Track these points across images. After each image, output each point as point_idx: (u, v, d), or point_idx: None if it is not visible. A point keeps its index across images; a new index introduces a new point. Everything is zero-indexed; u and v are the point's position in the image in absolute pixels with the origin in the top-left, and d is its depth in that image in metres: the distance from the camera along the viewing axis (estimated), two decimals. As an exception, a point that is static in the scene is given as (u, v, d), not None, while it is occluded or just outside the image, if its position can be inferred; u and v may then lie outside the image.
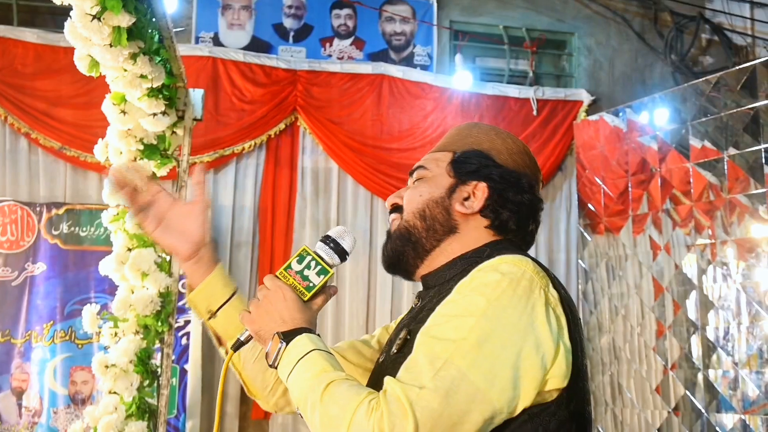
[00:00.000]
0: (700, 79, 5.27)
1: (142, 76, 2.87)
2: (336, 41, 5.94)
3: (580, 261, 5.81)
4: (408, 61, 5.99)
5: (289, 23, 5.90)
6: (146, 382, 3.21)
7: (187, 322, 4.97)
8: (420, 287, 1.54)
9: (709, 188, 4.92)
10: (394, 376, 1.23)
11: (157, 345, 3.31)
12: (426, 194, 1.50)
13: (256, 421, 5.35)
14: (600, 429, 5.44)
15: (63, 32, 2.58)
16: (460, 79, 5.84)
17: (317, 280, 1.45)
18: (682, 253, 5.09)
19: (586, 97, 6.05)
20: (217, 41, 5.74)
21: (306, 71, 5.68)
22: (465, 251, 1.46)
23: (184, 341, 4.94)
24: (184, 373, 4.95)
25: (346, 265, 5.49)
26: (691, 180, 4.99)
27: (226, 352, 1.60)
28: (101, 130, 3.32)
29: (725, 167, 4.77)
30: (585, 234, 5.76)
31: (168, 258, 3.27)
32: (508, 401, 1.21)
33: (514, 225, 1.47)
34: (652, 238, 5.28)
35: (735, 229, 4.75)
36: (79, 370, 4.79)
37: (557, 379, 1.26)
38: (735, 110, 4.76)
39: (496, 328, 1.23)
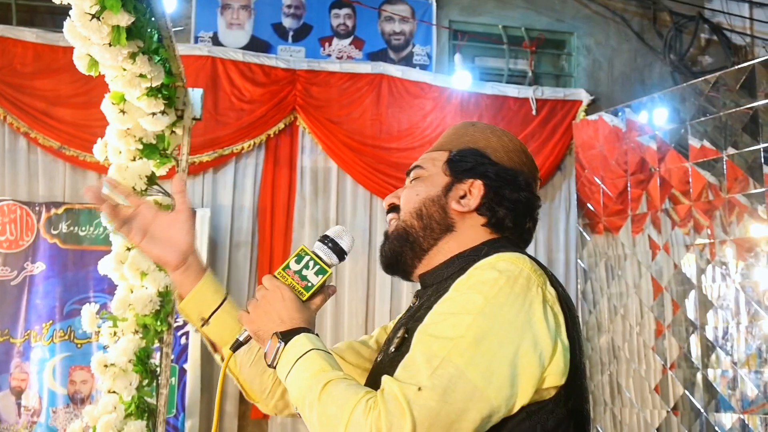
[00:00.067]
0: (699, 79, 5.27)
1: (141, 76, 2.86)
2: (335, 41, 5.94)
3: (579, 260, 5.81)
4: (407, 61, 5.99)
5: (288, 23, 5.90)
6: (145, 382, 3.21)
7: (186, 322, 4.96)
8: (418, 286, 1.54)
9: (708, 188, 4.92)
10: (392, 375, 1.23)
11: (157, 344, 3.30)
12: (422, 193, 1.50)
13: (255, 421, 5.35)
14: (599, 428, 5.44)
15: (62, 32, 2.58)
16: (460, 78, 5.84)
17: (315, 280, 1.45)
18: (681, 252, 5.09)
19: (585, 97, 6.06)
20: (216, 41, 5.74)
21: (305, 71, 5.68)
22: (462, 250, 1.46)
23: (183, 341, 4.94)
24: (183, 372, 4.95)
25: (345, 265, 5.49)
26: (690, 180, 4.99)
27: (222, 359, 1.60)
28: (100, 130, 3.32)
29: (724, 167, 4.77)
30: (584, 234, 5.76)
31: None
32: (506, 399, 1.21)
33: (511, 223, 1.47)
34: (651, 238, 5.29)
35: (734, 229, 4.75)
36: (78, 369, 4.79)
37: (555, 376, 1.26)
38: (734, 110, 4.76)
39: (494, 326, 1.23)
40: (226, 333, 1.58)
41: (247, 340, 1.48)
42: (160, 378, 3.28)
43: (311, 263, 1.46)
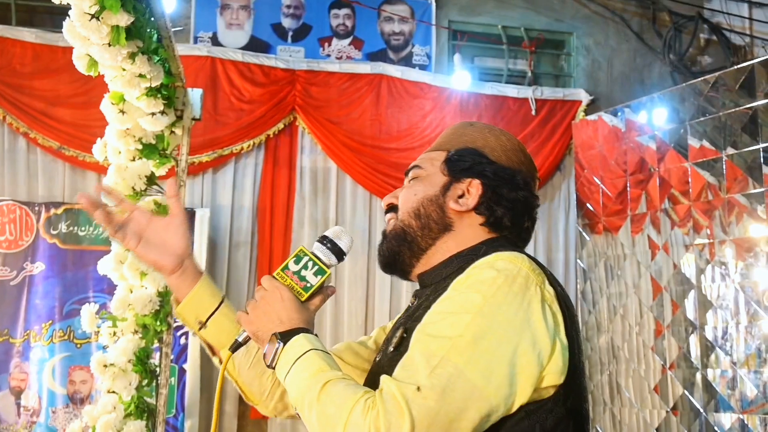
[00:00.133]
0: (699, 79, 5.27)
1: (140, 76, 2.87)
2: (334, 41, 5.94)
3: (578, 260, 5.81)
4: (406, 61, 5.99)
5: (287, 23, 5.90)
6: (145, 382, 3.21)
7: (185, 323, 4.96)
8: (417, 286, 1.54)
9: (708, 188, 4.92)
10: (391, 375, 1.23)
11: (156, 344, 3.31)
12: (420, 193, 1.50)
13: (254, 421, 5.35)
14: (598, 428, 5.44)
15: (61, 32, 2.58)
16: (459, 78, 5.84)
17: (314, 281, 1.45)
18: (681, 252, 5.09)
19: (584, 97, 6.06)
20: (215, 41, 5.74)
21: (304, 71, 5.68)
22: (461, 249, 1.46)
23: (182, 341, 4.94)
24: (182, 372, 4.95)
25: (345, 265, 5.49)
26: (690, 180, 4.99)
27: (220, 361, 1.60)
28: (100, 130, 3.32)
29: (723, 167, 4.77)
30: (583, 234, 5.76)
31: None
32: (505, 398, 1.21)
33: (509, 222, 1.47)
34: (650, 238, 5.29)
35: (733, 229, 4.75)
36: (78, 369, 4.79)
37: (554, 375, 1.26)
38: (733, 110, 4.76)
39: (492, 325, 1.23)
40: (223, 336, 1.58)
41: (246, 340, 1.48)
42: (159, 378, 3.28)
43: (310, 264, 1.46)
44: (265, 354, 1.38)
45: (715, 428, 4.66)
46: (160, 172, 3.33)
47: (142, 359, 3.18)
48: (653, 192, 5.25)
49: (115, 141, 3.20)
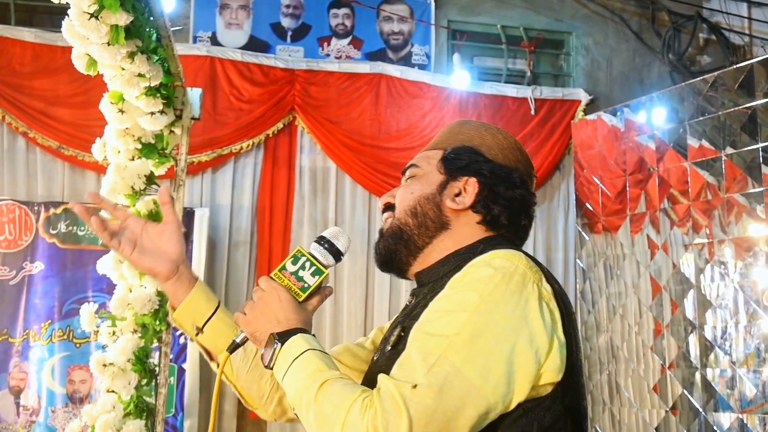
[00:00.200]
0: (698, 79, 5.27)
1: (139, 75, 2.87)
2: (334, 41, 5.94)
3: (578, 260, 5.81)
4: (406, 61, 5.99)
5: (286, 23, 5.90)
6: (144, 381, 3.22)
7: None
8: (415, 285, 1.54)
9: (707, 187, 4.92)
10: (389, 374, 1.23)
11: (155, 344, 3.31)
12: (417, 192, 1.51)
13: (254, 421, 5.35)
14: (598, 428, 5.44)
15: (61, 32, 2.58)
16: (458, 78, 5.84)
17: (312, 281, 1.45)
18: (680, 252, 5.09)
19: (583, 97, 6.06)
20: (214, 41, 5.74)
21: (304, 71, 5.68)
22: (458, 247, 1.46)
23: (182, 340, 4.94)
24: (182, 372, 4.95)
25: (344, 265, 5.50)
26: (689, 179, 4.99)
27: (218, 366, 1.60)
28: (99, 130, 3.32)
29: (723, 166, 4.77)
30: (583, 233, 5.76)
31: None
32: (503, 396, 1.21)
33: (506, 220, 1.47)
34: (649, 238, 5.29)
35: (733, 229, 4.75)
36: (77, 369, 4.79)
37: (551, 373, 1.26)
38: (732, 109, 4.76)
39: (490, 323, 1.23)
40: (221, 341, 1.58)
41: (244, 341, 1.48)
42: (158, 377, 3.29)
43: (307, 264, 1.46)
44: (263, 354, 1.38)
45: (715, 428, 4.66)
46: (160, 171, 3.34)
47: (141, 359, 3.18)
48: (652, 192, 5.25)
49: (114, 140, 3.20)
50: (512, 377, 1.21)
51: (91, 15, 2.43)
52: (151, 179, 3.27)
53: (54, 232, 4.95)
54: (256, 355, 1.60)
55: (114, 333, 3.21)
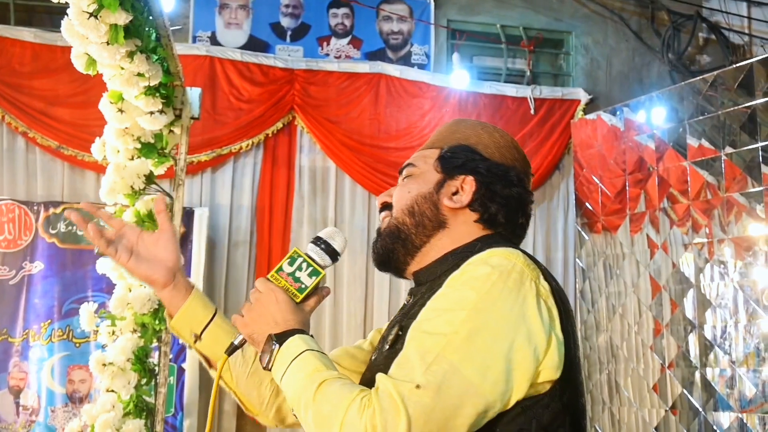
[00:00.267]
0: (697, 78, 5.27)
1: (139, 75, 2.87)
2: (333, 40, 5.94)
3: (577, 260, 5.81)
4: (405, 60, 5.99)
5: (286, 22, 5.90)
6: (144, 381, 3.22)
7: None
8: (414, 284, 1.54)
9: (707, 187, 4.92)
10: (387, 373, 1.22)
11: (155, 343, 3.31)
12: (414, 191, 1.51)
13: (253, 420, 5.33)
14: (597, 428, 5.44)
15: (60, 31, 2.59)
16: (458, 78, 5.84)
17: (309, 282, 1.45)
18: (680, 251, 5.09)
19: (583, 96, 6.06)
20: (214, 40, 5.74)
21: (303, 70, 5.68)
22: (456, 246, 1.46)
23: (181, 340, 4.93)
24: (181, 371, 4.95)
25: (344, 265, 5.50)
26: (689, 179, 4.99)
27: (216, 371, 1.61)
28: (99, 129, 3.32)
29: (722, 166, 4.77)
30: (582, 233, 5.76)
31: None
32: (501, 394, 1.21)
33: (504, 218, 1.47)
34: (649, 237, 5.29)
35: (732, 228, 4.75)
36: (77, 368, 4.79)
37: (550, 370, 1.26)
38: (732, 109, 4.76)
39: (487, 321, 1.23)
40: (219, 347, 1.58)
41: (242, 343, 1.48)
42: (158, 377, 3.29)
43: (304, 265, 1.46)
44: (261, 356, 1.39)
45: (714, 427, 4.66)
46: (159, 171, 3.34)
47: (140, 358, 3.18)
48: (652, 191, 5.25)
49: (113, 140, 3.20)
50: (511, 375, 1.21)
51: (91, 14, 2.43)
52: (150, 179, 3.27)
53: (53, 231, 4.95)
54: (255, 360, 1.60)
55: (113, 332, 3.21)
